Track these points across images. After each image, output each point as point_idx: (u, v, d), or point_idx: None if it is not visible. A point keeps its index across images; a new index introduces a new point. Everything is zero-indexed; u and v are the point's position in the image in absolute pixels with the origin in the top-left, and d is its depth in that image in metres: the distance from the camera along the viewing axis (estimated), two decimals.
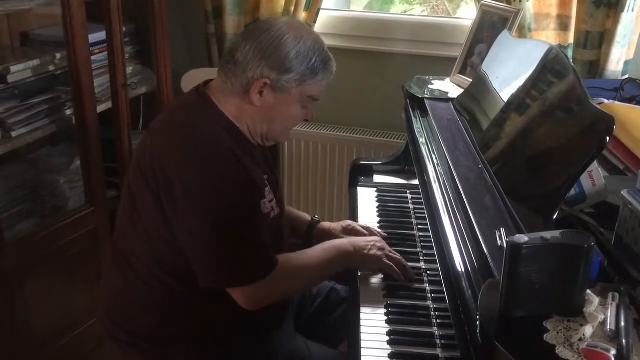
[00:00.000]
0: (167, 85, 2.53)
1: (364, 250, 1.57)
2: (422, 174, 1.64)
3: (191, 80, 2.42)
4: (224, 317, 1.48)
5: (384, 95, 2.71)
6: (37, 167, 2.28)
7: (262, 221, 1.46)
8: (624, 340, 0.90)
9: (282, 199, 1.61)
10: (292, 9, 2.56)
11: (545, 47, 1.56)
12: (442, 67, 2.40)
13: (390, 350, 1.35)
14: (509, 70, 1.67)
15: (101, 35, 2.24)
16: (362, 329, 1.41)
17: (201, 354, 1.52)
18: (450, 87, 2.11)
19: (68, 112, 2.21)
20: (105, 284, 1.63)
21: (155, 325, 1.50)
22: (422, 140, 1.77)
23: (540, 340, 0.91)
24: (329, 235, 1.73)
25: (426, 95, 2.01)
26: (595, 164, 1.25)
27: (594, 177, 1.27)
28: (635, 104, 1.82)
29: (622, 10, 2.19)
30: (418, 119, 1.91)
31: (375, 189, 2.04)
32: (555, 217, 1.15)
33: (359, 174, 2.11)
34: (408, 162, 2.04)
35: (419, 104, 1.98)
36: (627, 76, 2.26)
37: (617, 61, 2.27)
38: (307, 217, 1.82)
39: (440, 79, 2.18)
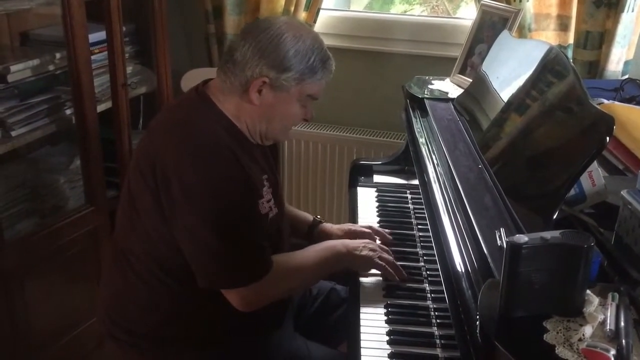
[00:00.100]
0: (167, 85, 2.53)
1: (355, 251, 1.57)
2: (422, 174, 1.64)
3: (191, 80, 2.42)
4: (224, 317, 1.48)
5: (384, 95, 2.71)
6: (36, 167, 2.28)
7: (260, 221, 1.46)
8: (623, 341, 0.90)
9: (281, 199, 1.61)
10: (292, 8, 2.56)
11: (545, 47, 1.56)
12: (442, 67, 2.40)
13: (390, 350, 1.35)
14: (509, 70, 1.67)
15: (101, 35, 2.23)
16: (362, 329, 1.41)
17: (201, 354, 1.52)
18: (450, 87, 2.11)
19: (68, 111, 2.21)
20: (105, 284, 1.63)
21: (155, 325, 1.50)
22: (422, 140, 1.77)
23: (540, 340, 0.91)
24: (329, 236, 1.73)
25: (426, 95, 2.01)
26: (595, 164, 1.25)
27: (593, 177, 1.27)
28: (635, 104, 1.82)
29: (622, 11, 2.19)
30: (418, 119, 1.91)
31: (375, 189, 2.04)
32: (555, 217, 1.15)
33: (359, 173, 2.11)
34: (408, 162, 2.04)
35: (419, 104, 1.98)
36: (627, 76, 2.26)
37: (617, 61, 2.27)
38: (309, 217, 1.82)
39: (440, 79, 2.18)
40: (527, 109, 1.47)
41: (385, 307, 1.48)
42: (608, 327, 0.93)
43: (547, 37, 2.34)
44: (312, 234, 1.78)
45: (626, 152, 1.49)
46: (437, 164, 1.59)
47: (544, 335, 0.92)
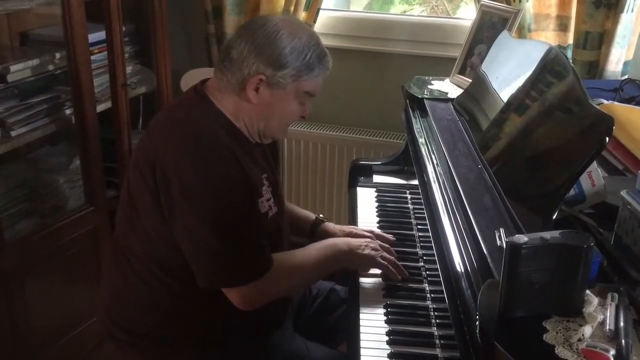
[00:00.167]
0: (167, 85, 2.53)
1: (357, 250, 1.57)
2: (422, 174, 1.64)
3: (191, 80, 2.42)
4: (224, 317, 1.48)
5: (384, 96, 2.71)
6: (36, 167, 2.28)
7: (260, 220, 1.46)
8: (623, 341, 0.90)
9: (281, 198, 1.61)
10: (292, 8, 2.56)
11: (545, 48, 1.56)
12: (441, 67, 2.40)
13: (390, 350, 1.35)
14: (509, 71, 1.67)
15: (101, 34, 2.24)
16: (362, 329, 1.41)
17: (201, 354, 1.52)
18: (449, 87, 2.12)
19: (67, 111, 2.21)
20: (105, 284, 1.63)
21: (155, 325, 1.50)
22: (421, 140, 1.77)
23: (539, 341, 0.91)
24: (331, 236, 1.72)
25: (426, 96, 2.01)
26: (594, 164, 1.25)
27: (593, 177, 1.27)
28: (634, 105, 1.82)
29: (622, 11, 2.20)
30: (418, 119, 1.91)
31: (374, 189, 2.04)
32: (554, 217, 1.15)
33: (359, 174, 2.11)
34: (407, 162, 2.04)
35: (418, 104, 1.98)
36: (626, 77, 2.26)
37: (616, 62, 2.27)
38: (312, 215, 1.82)
39: (440, 79, 2.18)
40: (527, 109, 1.48)
41: (385, 307, 1.48)
42: (607, 327, 0.93)
43: (546, 38, 2.35)
44: (315, 232, 1.78)
45: (625, 153, 1.50)
46: (437, 164, 1.59)
47: (544, 336, 0.92)
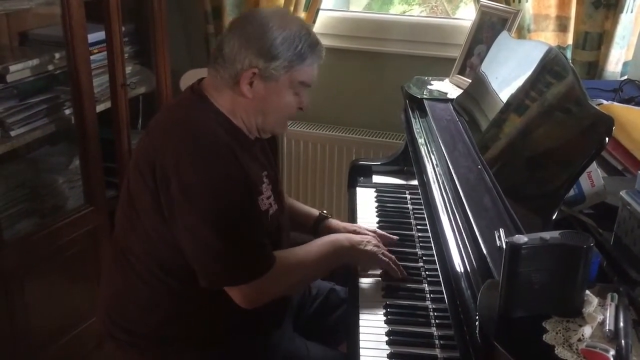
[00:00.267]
0: (167, 85, 2.53)
1: (359, 246, 1.57)
2: (421, 174, 1.64)
3: (190, 80, 2.40)
4: (224, 317, 1.48)
5: (383, 96, 2.71)
6: (36, 167, 2.28)
7: (260, 218, 1.47)
8: (622, 341, 0.90)
9: (281, 195, 1.61)
10: (292, 8, 2.56)
11: (545, 48, 1.56)
12: (441, 67, 2.40)
13: (389, 351, 1.35)
14: (508, 71, 1.67)
15: (100, 35, 2.23)
16: (361, 329, 1.42)
17: (201, 354, 1.52)
18: (449, 87, 2.12)
19: (67, 111, 2.21)
20: (105, 284, 1.63)
21: (155, 324, 1.50)
22: (421, 140, 1.77)
23: (539, 341, 0.91)
24: (334, 232, 1.72)
25: (425, 96, 2.01)
26: (594, 164, 1.25)
27: (592, 177, 1.27)
28: (634, 105, 1.82)
29: (621, 11, 2.20)
30: (417, 120, 1.91)
31: (374, 190, 2.04)
32: (554, 217, 1.15)
33: (358, 174, 2.12)
34: (407, 162, 2.04)
35: (418, 105, 1.98)
36: (626, 77, 2.27)
37: (616, 62, 2.28)
38: (315, 212, 1.82)
39: (440, 80, 2.18)
40: (527, 110, 1.48)
41: (385, 307, 1.48)
42: (607, 328, 0.93)
43: (546, 38, 2.35)
44: (318, 229, 1.78)
45: (625, 153, 1.50)
46: (436, 165, 1.59)
47: (544, 336, 0.92)
